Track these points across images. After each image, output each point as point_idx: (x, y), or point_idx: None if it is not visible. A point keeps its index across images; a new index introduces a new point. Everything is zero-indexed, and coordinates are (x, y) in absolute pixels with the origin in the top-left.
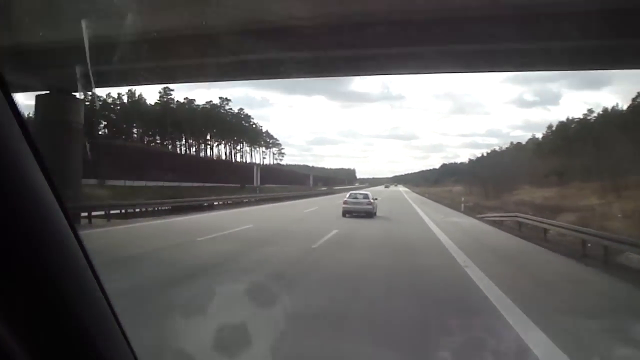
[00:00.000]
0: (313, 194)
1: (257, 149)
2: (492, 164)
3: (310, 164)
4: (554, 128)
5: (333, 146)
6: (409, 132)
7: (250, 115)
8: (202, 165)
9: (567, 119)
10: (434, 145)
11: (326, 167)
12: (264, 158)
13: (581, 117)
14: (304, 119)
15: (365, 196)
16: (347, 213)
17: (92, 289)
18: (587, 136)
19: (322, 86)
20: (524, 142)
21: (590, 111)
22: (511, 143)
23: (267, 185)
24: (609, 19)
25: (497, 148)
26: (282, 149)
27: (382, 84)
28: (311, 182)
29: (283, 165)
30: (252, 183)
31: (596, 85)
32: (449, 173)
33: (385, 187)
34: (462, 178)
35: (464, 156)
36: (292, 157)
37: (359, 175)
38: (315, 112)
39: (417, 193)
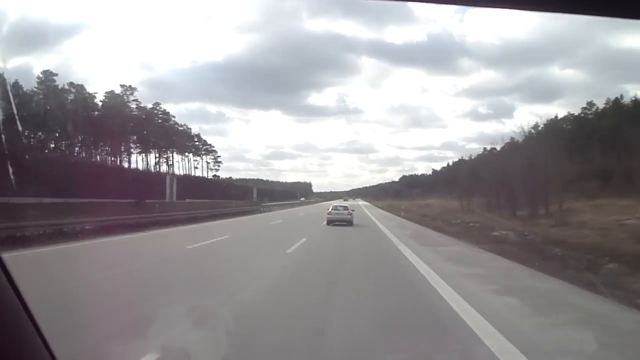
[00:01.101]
0: (245, 210)
1: (188, 156)
2: (507, 165)
3: (267, 178)
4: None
5: (290, 160)
6: (366, 145)
7: (171, 113)
8: (91, 175)
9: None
10: (391, 158)
11: (283, 181)
12: (195, 168)
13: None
14: (260, 134)
15: (345, 208)
16: (330, 222)
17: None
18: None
19: (278, 100)
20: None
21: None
22: (484, 149)
23: (187, 201)
24: None
25: (495, 146)
26: (219, 156)
27: (339, 98)
28: (255, 196)
29: (219, 177)
30: (165, 197)
31: (548, 98)
32: (408, 185)
33: (345, 200)
34: (431, 189)
35: (421, 169)
36: (248, 172)
37: (316, 189)
38: (272, 126)
39: (382, 209)
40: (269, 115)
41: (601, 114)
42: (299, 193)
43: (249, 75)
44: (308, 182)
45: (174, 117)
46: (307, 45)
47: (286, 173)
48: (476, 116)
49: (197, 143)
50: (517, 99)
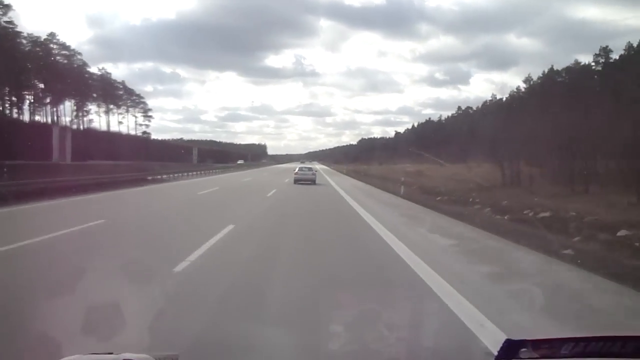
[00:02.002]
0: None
1: (108, 108)
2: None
3: (223, 140)
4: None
5: (247, 123)
6: (322, 109)
7: (77, 50)
8: None
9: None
10: (347, 122)
11: (237, 143)
12: (120, 123)
13: None
14: (216, 95)
15: (310, 169)
16: (297, 181)
17: None
18: None
19: (234, 61)
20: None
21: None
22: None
23: (90, 162)
24: None
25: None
26: (149, 110)
27: (296, 60)
28: (195, 157)
29: (149, 135)
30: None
31: (504, 66)
32: (367, 149)
33: (302, 163)
34: (395, 153)
35: (377, 133)
36: (204, 134)
37: (272, 152)
38: (228, 88)
39: (351, 177)
40: (225, 76)
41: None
42: (249, 155)
43: (204, 34)
44: (263, 144)
45: (79, 54)
46: (264, 5)
47: (242, 135)
48: (433, 82)
49: (120, 92)
50: (474, 65)
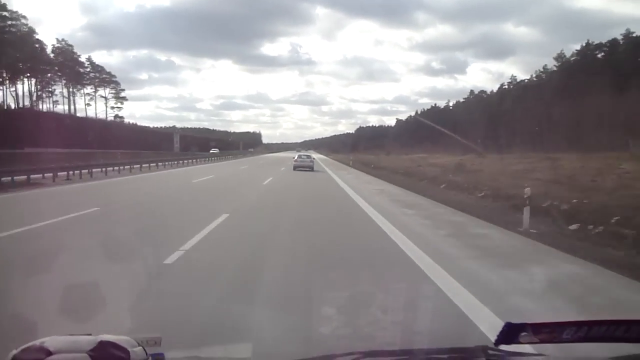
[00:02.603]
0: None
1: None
2: None
3: (218, 129)
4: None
5: (242, 111)
6: (319, 97)
7: (20, 13)
8: None
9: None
10: (343, 111)
11: (232, 131)
12: (88, 105)
13: None
14: (211, 83)
15: (308, 156)
16: (296, 167)
17: None
18: None
19: (229, 49)
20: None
21: None
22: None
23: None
24: None
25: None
26: (122, 90)
27: (292, 48)
28: (177, 145)
29: (122, 118)
30: None
31: (501, 56)
32: (367, 137)
33: (298, 151)
34: (396, 141)
35: (373, 122)
36: (200, 122)
37: (267, 140)
38: (223, 76)
39: (356, 169)
40: (220, 64)
41: None
42: (240, 144)
43: (199, 22)
44: (257, 132)
45: (24, 17)
46: None
47: (238, 124)
48: (429, 71)
49: (87, 69)
50: (471, 55)
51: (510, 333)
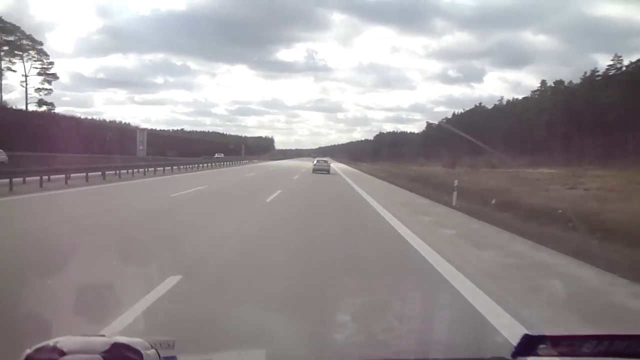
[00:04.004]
0: None
1: None
2: None
3: (233, 134)
4: None
5: (257, 117)
6: (334, 104)
7: None
8: None
9: None
10: (359, 118)
11: (244, 136)
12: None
13: None
14: (227, 89)
15: (325, 161)
16: (315, 170)
17: None
18: None
19: (245, 54)
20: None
21: None
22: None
23: None
24: None
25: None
26: (50, 65)
27: (308, 54)
28: (141, 147)
29: (52, 106)
30: None
31: (518, 64)
32: (386, 145)
33: (314, 158)
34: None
35: (389, 130)
36: (215, 127)
37: (282, 147)
38: (238, 81)
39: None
40: (236, 69)
41: None
42: (243, 149)
43: (214, 26)
44: (270, 137)
45: None
46: None
47: (253, 129)
48: (445, 79)
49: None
50: (488, 63)
51: (529, 345)
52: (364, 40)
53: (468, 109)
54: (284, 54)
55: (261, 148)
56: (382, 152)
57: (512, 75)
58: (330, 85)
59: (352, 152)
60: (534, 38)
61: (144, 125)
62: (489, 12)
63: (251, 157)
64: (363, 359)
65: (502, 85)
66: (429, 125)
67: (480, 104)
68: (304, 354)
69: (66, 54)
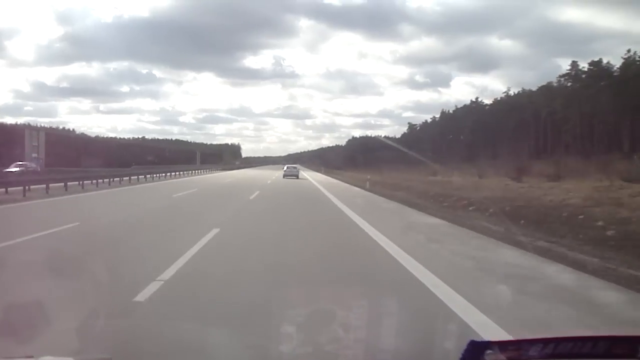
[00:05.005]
0: None
1: None
2: None
3: (202, 142)
4: None
5: (226, 125)
6: (302, 111)
7: None
8: None
9: None
10: (327, 125)
11: (209, 143)
12: None
13: None
14: (194, 97)
15: (295, 167)
16: (285, 176)
17: None
18: None
19: (211, 62)
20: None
21: None
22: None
23: None
24: None
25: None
26: None
27: (275, 61)
28: (34, 156)
29: None
30: None
31: (485, 69)
32: (360, 151)
33: (287, 168)
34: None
35: (357, 136)
36: (183, 136)
37: (251, 154)
38: (205, 89)
39: None
40: (202, 77)
41: None
42: (198, 155)
43: (179, 33)
44: (237, 144)
45: None
46: (242, 3)
47: (221, 137)
48: (413, 84)
49: None
50: (455, 68)
51: (475, 351)
52: (332, 46)
53: (474, 100)
54: (251, 61)
55: (226, 155)
56: (358, 158)
57: (478, 79)
58: (298, 92)
59: (326, 159)
60: (499, 42)
61: (110, 135)
62: (456, 17)
63: (208, 167)
64: None
65: (469, 90)
66: (411, 126)
67: (477, 98)
68: None
69: (26, 62)
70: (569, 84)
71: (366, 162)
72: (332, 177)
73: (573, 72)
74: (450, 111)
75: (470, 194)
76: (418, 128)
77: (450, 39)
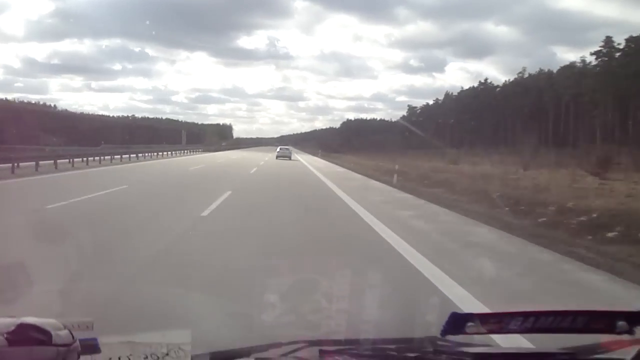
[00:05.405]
0: None
1: None
2: None
3: (195, 121)
4: None
5: (218, 105)
6: (296, 93)
7: None
8: None
9: None
10: (320, 107)
11: (200, 123)
12: None
13: None
14: (187, 76)
15: (287, 149)
16: (278, 157)
17: None
18: None
19: (205, 41)
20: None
21: None
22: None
23: None
24: None
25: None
26: None
27: (269, 42)
28: None
29: None
30: None
31: (480, 55)
32: (355, 134)
33: (280, 150)
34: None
35: (351, 119)
36: (175, 115)
37: (244, 135)
38: (198, 69)
39: None
40: (195, 56)
41: None
42: (184, 134)
43: (172, 11)
44: (228, 124)
45: None
46: None
47: (213, 117)
48: (407, 69)
49: None
50: (450, 53)
51: (457, 323)
52: (326, 28)
53: (481, 82)
54: (244, 41)
55: (216, 136)
56: (353, 141)
57: (473, 65)
58: (291, 74)
59: (323, 141)
60: (495, 29)
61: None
62: (452, 1)
63: (196, 147)
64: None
65: (463, 75)
66: (410, 108)
67: (487, 80)
68: None
69: (16, 37)
70: (600, 63)
71: (363, 146)
72: (333, 162)
73: (605, 50)
74: (455, 93)
75: (563, 200)
76: (418, 111)
77: (446, 24)
